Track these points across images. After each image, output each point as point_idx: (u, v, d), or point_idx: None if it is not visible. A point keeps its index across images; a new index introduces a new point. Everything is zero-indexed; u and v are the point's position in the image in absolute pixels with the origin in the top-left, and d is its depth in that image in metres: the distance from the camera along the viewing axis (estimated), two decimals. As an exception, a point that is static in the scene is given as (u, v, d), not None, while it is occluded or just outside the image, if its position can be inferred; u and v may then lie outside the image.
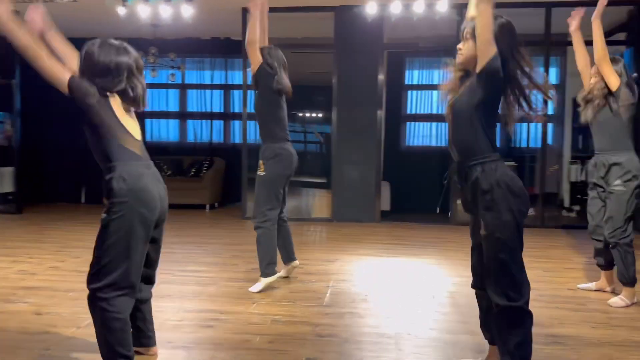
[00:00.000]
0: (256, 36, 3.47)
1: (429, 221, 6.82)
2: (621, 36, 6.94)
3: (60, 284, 3.65)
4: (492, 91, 2.00)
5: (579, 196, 7.55)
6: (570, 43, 7.77)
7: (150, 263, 2.30)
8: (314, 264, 4.33)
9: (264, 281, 3.50)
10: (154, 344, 2.43)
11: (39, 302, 3.22)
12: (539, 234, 6.02)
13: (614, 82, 3.26)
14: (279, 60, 3.60)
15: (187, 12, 6.33)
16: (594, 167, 3.45)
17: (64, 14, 7.02)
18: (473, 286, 2.22)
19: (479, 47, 1.94)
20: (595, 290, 3.60)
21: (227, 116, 8.88)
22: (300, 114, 8.27)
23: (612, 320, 3.02)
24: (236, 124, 8.83)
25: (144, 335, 2.37)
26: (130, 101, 2.17)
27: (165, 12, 6.35)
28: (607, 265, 3.53)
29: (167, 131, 8.99)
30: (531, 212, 7.16)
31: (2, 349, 2.48)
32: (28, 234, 5.72)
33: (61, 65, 2.08)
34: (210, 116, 8.85)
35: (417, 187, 8.04)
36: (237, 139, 8.84)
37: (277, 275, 3.57)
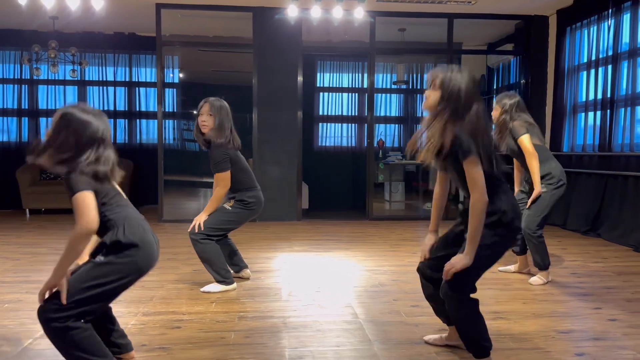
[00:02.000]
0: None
1: (345, 217, 7.14)
2: (509, 46, 7.80)
3: (-12, 297, 3.35)
4: None
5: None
6: (465, 51, 8.53)
7: None
8: (255, 262, 4.38)
9: (222, 287, 3.49)
10: (131, 348, 2.36)
11: None
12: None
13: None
14: (229, 120, 3.53)
15: (98, 4, 6.00)
16: None
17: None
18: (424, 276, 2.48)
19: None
20: (514, 272, 4.11)
21: (132, 115, 8.51)
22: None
23: (536, 296, 3.47)
24: (142, 123, 8.51)
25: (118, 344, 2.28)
26: None
27: (74, 4, 5.97)
28: (521, 251, 4.07)
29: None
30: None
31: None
32: None
33: None
34: (114, 115, 8.42)
35: (330, 186, 8.37)
36: (145, 138, 8.52)
37: (235, 285, 3.55)
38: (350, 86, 8.80)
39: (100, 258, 2.02)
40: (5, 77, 8.04)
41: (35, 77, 7.85)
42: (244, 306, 3.19)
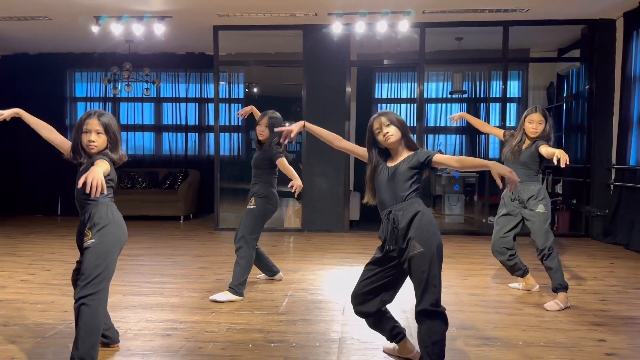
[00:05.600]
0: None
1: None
2: (576, 53, 7.30)
3: (29, 297, 3.81)
4: None
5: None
6: (531, 59, 8.16)
7: None
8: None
9: (230, 296, 3.73)
10: (118, 340, 2.82)
11: (6, 314, 3.38)
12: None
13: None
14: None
15: (160, 30, 6.53)
16: None
17: (39, 30, 7.19)
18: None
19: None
20: (524, 290, 4.02)
21: (201, 129, 9.08)
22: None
23: (542, 323, 3.28)
24: (210, 137, 9.04)
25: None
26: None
27: (138, 30, 6.55)
28: (525, 273, 3.99)
29: (142, 143, 9.16)
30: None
31: (-32, 359, 2.65)
32: (1, 247, 5.84)
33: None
34: (185, 129, 9.04)
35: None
36: (212, 151, 9.03)
37: (241, 298, 3.78)
38: (408, 97, 8.71)
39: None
40: (92, 95, 8.96)
41: (117, 96, 8.66)
42: (239, 318, 3.35)
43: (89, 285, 2.42)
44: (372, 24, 6.37)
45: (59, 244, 6.02)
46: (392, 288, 2.51)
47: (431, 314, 2.28)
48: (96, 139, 2.47)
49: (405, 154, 2.45)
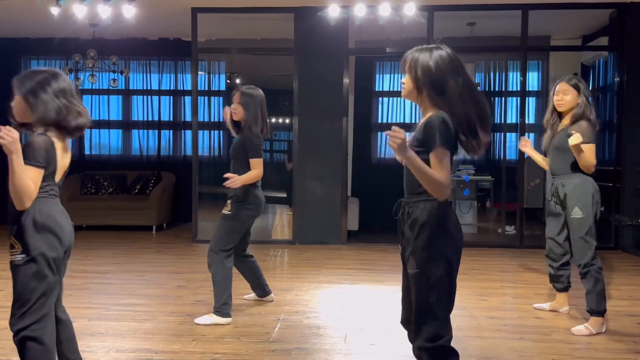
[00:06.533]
0: None
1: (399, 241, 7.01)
2: (603, 40, 7.31)
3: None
4: None
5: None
6: (552, 48, 8.17)
7: None
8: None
9: (215, 318, 3.67)
10: None
11: None
12: (517, 255, 6.28)
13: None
14: (263, 114, 3.88)
15: (130, 12, 6.43)
16: None
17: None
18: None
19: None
20: (550, 311, 3.96)
21: (176, 125, 8.98)
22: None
23: (575, 351, 3.24)
24: (187, 134, 8.92)
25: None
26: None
27: (105, 13, 6.45)
28: (564, 288, 3.91)
29: (108, 142, 9.03)
30: (512, 230, 7.47)
31: None
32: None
33: None
34: (158, 125, 8.94)
35: (389, 204, 8.24)
36: (189, 150, 8.93)
37: (230, 320, 3.70)
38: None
39: None
40: (51, 87, 8.82)
41: (79, 87, 8.53)
42: (224, 347, 3.28)
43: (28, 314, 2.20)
44: (373, 7, 6.32)
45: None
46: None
47: (429, 351, 2.10)
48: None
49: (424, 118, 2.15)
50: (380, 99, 8.71)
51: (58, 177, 2.31)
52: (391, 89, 8.71)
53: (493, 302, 4.33)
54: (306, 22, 6.83)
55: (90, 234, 7.73)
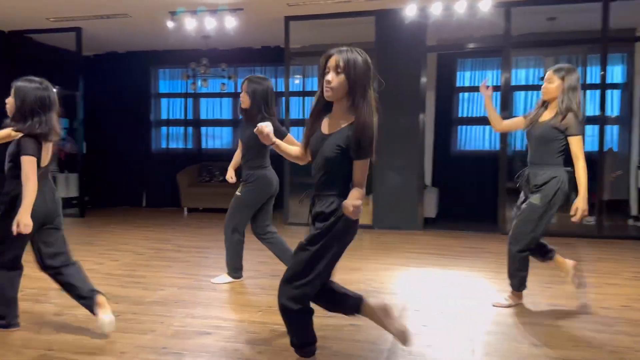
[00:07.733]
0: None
1: (477, 229, 6.54)
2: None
3: (89, 286, 3.86)
4: None
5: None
6: (636, 39, 7.26)
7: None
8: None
9: (228, 278, 3.93)
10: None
11: (63, 304, 3.42)
12: (594, 245, 5.62)
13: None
14: (270, 103, 3.74)
15: (231, 23, 6.52)
16: None
17: (116, 28, 7.45)
18: None
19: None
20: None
21: (280, 122, 9.00)
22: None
23: (636, 344, 2.75)
24: (291, 130, 8.95)
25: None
26: None
27: (210, 24, 6.58)
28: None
29: (220, 138, 9.29)
30: (591, 220, 6.70)
31: (8, 347, 2.67)
32: (82, 236, 6.11)
33: None
34: (281, 123, 9.00)
35: (467, 193, 7.75)
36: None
37: (239, 279, 3.95)
38: (493, 84, 8.06)
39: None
40: (174, 91, 9.23)
41: (195, 92, 8.83)
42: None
43: None
44: (449, 6, 5.90)
45: (134, 235, 6.20)
46: None
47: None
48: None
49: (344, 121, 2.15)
50: (460, 94, 8.19)
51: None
52: (472, 84, 8.15)
53: (557, 290, 3.85)
54: (386, 23, 6.53)
55: (203, 215, 8.00)
